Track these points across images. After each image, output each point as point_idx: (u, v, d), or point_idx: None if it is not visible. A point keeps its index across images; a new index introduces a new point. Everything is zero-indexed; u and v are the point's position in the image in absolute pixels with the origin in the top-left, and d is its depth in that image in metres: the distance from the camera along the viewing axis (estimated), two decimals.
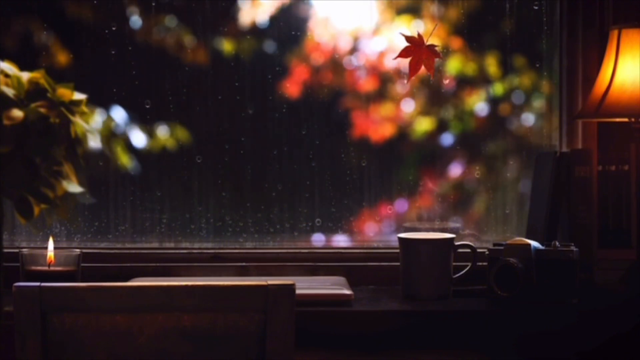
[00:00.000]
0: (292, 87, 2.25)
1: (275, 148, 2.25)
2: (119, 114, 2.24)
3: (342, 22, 2.26)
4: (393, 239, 2.17)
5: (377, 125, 2.27)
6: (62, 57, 2.23)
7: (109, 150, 2.24)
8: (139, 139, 2.24)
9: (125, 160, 2.24)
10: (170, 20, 2.25)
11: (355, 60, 2.27)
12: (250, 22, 2.25)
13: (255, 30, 2.25)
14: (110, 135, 2.24)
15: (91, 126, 2.03)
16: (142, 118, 2.24)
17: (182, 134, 2.25)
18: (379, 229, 2.27)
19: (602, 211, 2.19)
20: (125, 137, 2.24)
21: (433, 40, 1.90)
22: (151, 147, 2.25)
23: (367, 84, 2.27)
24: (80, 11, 2.23)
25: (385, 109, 2.27)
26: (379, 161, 2.26)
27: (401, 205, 2.28)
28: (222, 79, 2.25)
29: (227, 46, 2.25)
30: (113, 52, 2.24)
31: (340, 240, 2.26)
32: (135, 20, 2.24)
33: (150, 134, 2.25)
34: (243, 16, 2.25)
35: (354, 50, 2.27)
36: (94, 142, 2.02)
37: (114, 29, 2.23)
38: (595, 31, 2.19)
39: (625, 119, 2.05)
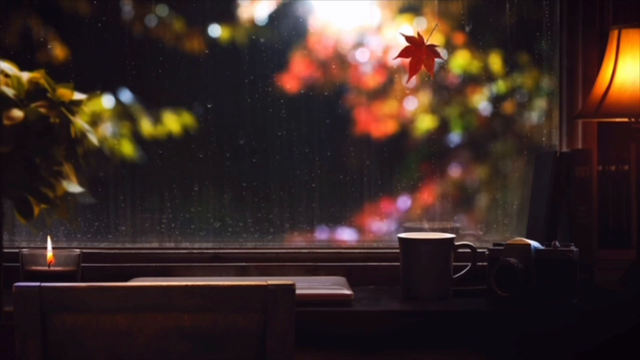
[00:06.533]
0: (291, 83, 2.25)
1: (275, 147, 2.25)
2: (126, 97, 2.24)
3: (343, 20, 2.26)
4: (394, 238, 2.17)
5: (379, 122, 2.26)
6: (61, 51, 2.23)
7: (109, 147, 2.24)
8: (145, 124, 2.24)
9: (128, 150, 2.23)
10: (162, 10, 2.25)
11: (358, 56, 2.27)
12: (249, 18, 2.25)
13: (254, 26, 2.25)
14: (119, 118, 2.24)
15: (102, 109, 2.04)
16: (147, 104, 2.25)
17: (188, 119, 2.24)
18: (380, 227, 2.27)
19: (602, 211, 2.19)
20: (133, 121, 2.24)
21: (435, 38, 1.90)
22: (156, 135, 2.24)
23: (369, 80, 2.26)
24: (77, 5, 2.23)
25: (388, 106, 2.26)
26: (380, 159, 2.26)
27: (402, 203, 2.27)
28: (221, 77, 2.25)
29: (225, 34, 2.25)
30: (110, 44, 2.24)
31: (342, 233, 2.26)
32: (131, 11, 2.24)
33: (156, 119, 2.24)
34: (242, 12, 2.25)
35: (356, 45, 2.27)
36: (94, 141, 2.02)
37: (110, 20, 2.23)
38: (595, 31, 2.19)
39: (625, 119, 2.05)
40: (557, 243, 1.90)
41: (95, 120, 2.20)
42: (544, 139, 2.27)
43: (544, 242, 1.93)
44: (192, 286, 1.49)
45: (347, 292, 1.88)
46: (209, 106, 2.24)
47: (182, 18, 2.25)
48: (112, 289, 1.49)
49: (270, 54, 2.25)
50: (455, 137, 2.28)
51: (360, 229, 2.27)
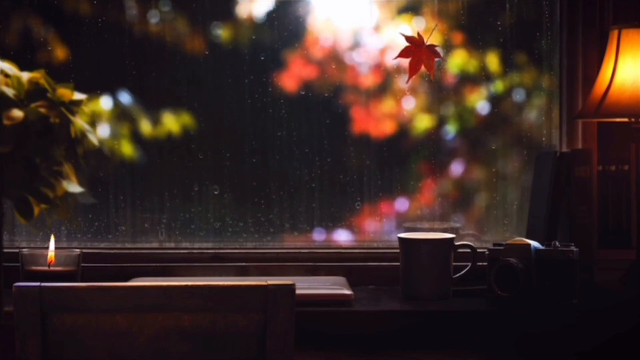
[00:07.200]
0: (290, 84, 2.25)
1: (275, 147, 2.25)
2: (125, 99, 2.24)
3: (342, 20, 2.26)
4: (394, 238, 2.17)
5: (377, 122, 2.26)
6: (61, 51, 2.23)
7: (109, 146, 2.24)
8: (144, 125, 2.24)
9: (128, 150, 2.23)
10: (164, 7, 2.25)
11: (356, 56, 2.27)
12: (248, 17, 2.25)
13: (253, 25, 2.25)
14: (118, 118, 2.23)
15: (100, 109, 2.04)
16: (147, 105, 2.25)
17: (187, 119, 2.24)
18: (380, 227, 2.27)
19: (602, 211, 2.19)
20: (132, 122, 2.23)
21: (434, 38, 1.90)
22: (155, 135, 2.24)
23: (367, 80, 2.26)
24: (77, 5, 2.23)
25: (386, 106, 2.26)
26: (380, 159, 2.26)
27: (402, 203, 2.27)
28: (221, 77, 2.25)
29: (225, 34, 2.25)
30: (110, 44, 2.24)
31: (341, 235, 2.25)
32: (131, 9, 2.24)
33: (155, 120, 2.24)
34: (240, 10, 2.25)
35: (354, 45, 2.27)
36: (94, 141, 2.03)
37: (110, 20, 2.23)
38: (595, 31, 2.19)
39: (625, 119, 2.05)
40: (557, 243, 1.90)
41: (95, 121, 2.20)
42: (543, 139, 2.27)
43: (544, 242, 1.93)
44: (192, 286, 1.49)
45: (347, 292, 1.88)
46: (208, 107, 2.25)
47: (182, 17, 2.25)
48: (112, 289, 1.49)
49: (270, 53, 2.25)
50: (454, 136, 2.28)
51: (360, 229, 2.27)
